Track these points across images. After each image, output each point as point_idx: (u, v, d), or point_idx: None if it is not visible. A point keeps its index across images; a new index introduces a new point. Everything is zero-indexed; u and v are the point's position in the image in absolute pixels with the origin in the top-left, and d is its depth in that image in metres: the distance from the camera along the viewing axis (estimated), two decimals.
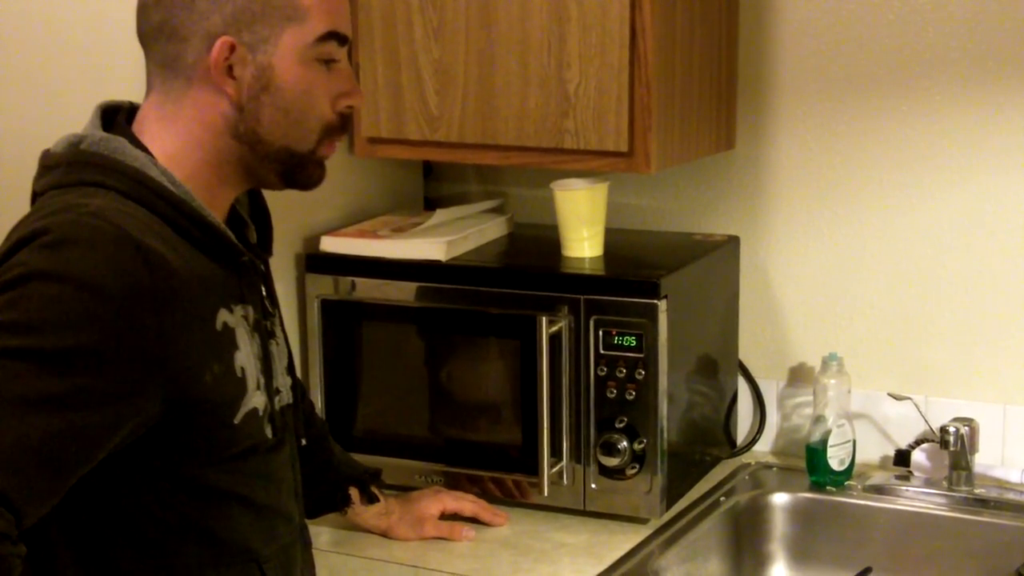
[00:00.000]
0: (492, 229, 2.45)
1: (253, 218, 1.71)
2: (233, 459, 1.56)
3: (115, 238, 1.42)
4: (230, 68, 1.53)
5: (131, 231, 1.43)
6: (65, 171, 1.51)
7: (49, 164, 1.54)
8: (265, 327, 1.64)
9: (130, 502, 1.52)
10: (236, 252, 1.58)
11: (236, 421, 1.55)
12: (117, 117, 1.58)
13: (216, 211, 1.58)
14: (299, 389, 1.80)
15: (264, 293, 1.67)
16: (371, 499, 2.12)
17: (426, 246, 2.29)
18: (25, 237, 1.43)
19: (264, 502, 1.62)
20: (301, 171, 1.62)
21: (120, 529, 1.52)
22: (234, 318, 1.55)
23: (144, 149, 1.53)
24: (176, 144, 1.55)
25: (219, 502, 1.57)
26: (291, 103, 1.57)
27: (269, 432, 1.61)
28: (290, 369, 1.73)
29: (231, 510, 1.58)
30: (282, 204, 2.31)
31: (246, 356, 1.56)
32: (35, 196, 1.55)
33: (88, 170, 1.50)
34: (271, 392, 1.62)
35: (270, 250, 1.71)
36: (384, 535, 2.16)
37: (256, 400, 1.58)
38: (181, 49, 1.53)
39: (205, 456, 1.54)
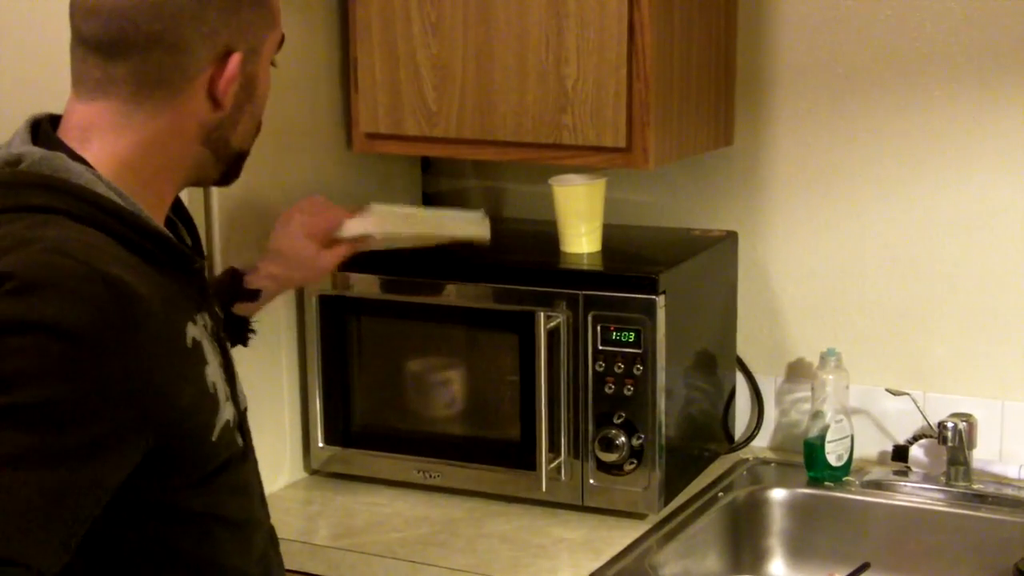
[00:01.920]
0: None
1: (176, 217, 1.65)
2: (210, 477, 1.51)
3: (82, 275, 1.34)
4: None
5: (95, 263, 1.36)
6: (4, 194, 1.41)
7: None
8: (219, 332, 1.59)
9: (112, 535, 1.45)
10: (189, 260, 1.52)
11: (214, 438, 1.50)
12: (41, 129, 1.48)
13: (159, 218, 1.53)
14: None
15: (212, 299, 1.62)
16: (252, 296, 2.10)
17: (469, 221, 2.22)
18: None
19: (240, 518, 1.58)
20: (238, 170, 1.60)
21: (104, 564, 1.46)
22: (198, 330, 1.49)
23: (82, 161, 1.44)
24: (134, 150, 1.47)
25: (200, 526, 1.51)
26: (259, 109, 1.56)
27: (240, 441, 1.57)
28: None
29: (212, 532, 1.53)
30: (280, 200, 2.32)
31: (214, 369, 1.51)
32: None
33: (34, 193, 1.40)
34: (236, 400, 1.58)
35: (202, 251, 1.66)
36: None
37: (227, 412, 1.53)
38: (180, 61, 1.46)
39: (185, 478, 1.48)
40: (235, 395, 1.57)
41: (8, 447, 1.29)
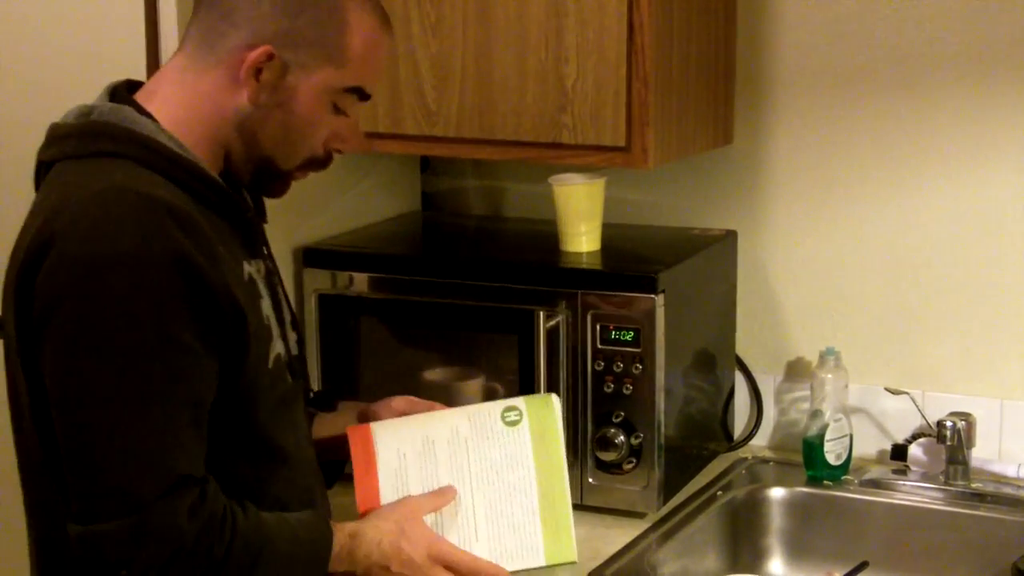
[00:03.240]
0: None
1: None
2: (271, 409, 1.61)
3: (148, 208, 1.47)
4: (258, 71, 1.57)
5: (162, 197, 1.48)
6: (77, 142, 1.55)
7: (59, 135, 1.58)
8: (273, 282, 1.69)
9: None
10: (243, 208, 1.63)
11: (270, 366, 1.61)
12: (117, 90, 1.62)
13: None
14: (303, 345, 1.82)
15: (267, 252, 1.72)
16: (327, 406, 1.97)
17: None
18: (59, 229, 1.46)
19: (292, 453, 1.67)
20: (271, 183, 1.69)
21: None
22: (252, 269, 1.61)
23: (148, 116, 1.57)
24: (184, 113, 1.59)
25: (256, 456, 1.61)
26: (294, 127, 1.63)
27: (289, 378, 1.67)
28: (294, 325, 1.75)
29: (267, 463, 1.63)
30: (279, 199, 2.32)
31: (267, 305, 1.63)
32: (41, 166, 1.59)
33: (101, 140, 1.54)
34: (286, 340, 1.68)
35: (264, 215, 1.75)
36: None
37: (278, 346, 1.64)
38: (227, 30, 1.58)
39: (248, 404, 1.58)
40: (285, 336, 1.67)
41: (141, 382, 1.46)
